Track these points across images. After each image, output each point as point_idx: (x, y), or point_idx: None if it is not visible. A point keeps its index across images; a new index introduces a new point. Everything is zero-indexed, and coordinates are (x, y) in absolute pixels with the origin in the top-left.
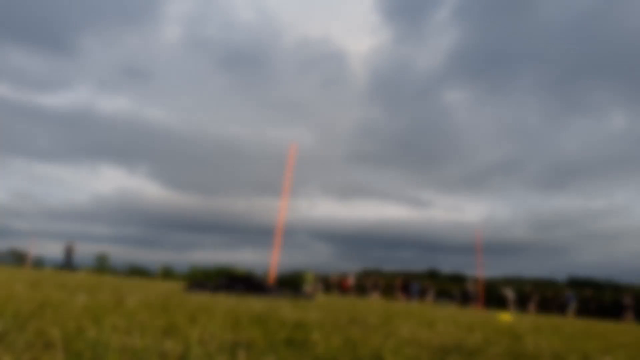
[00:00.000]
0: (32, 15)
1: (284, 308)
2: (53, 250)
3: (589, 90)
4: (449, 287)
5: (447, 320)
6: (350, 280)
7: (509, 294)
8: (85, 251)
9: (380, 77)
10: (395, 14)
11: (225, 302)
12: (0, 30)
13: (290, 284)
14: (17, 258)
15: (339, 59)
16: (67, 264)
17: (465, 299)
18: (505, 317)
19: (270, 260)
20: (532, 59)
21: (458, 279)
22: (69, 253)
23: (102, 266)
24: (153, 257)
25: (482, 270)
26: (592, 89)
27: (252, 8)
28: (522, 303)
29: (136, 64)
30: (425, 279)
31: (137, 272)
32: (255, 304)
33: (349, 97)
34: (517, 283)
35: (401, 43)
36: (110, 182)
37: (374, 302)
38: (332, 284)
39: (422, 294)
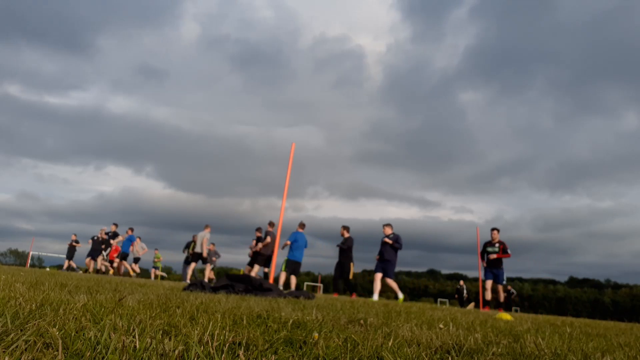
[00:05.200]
0: (49, 16)
1: (284, 308)
2: (55, 251)
3: (602, 90)
4: (448, 287)
5: (447, 320)
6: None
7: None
8: (86, 251)
9: (395, 76)
10: (415, 12)
11: (225, 302)
12: (15, 31)
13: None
14: (18, 258)
15: (356, 57)
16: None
17: (460, 299)
18: (505, 316)
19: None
20: (548, 59)
21: (458, 279)
22: (71, 250)
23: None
24: (150, 259)
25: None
26: (605, 89)
27: (271, 6)
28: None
29: (152, 63)
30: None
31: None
32: (255, 304)
33: (362, 96)
34: (517, 283)
35: (419, 42)
36: (116, 182)
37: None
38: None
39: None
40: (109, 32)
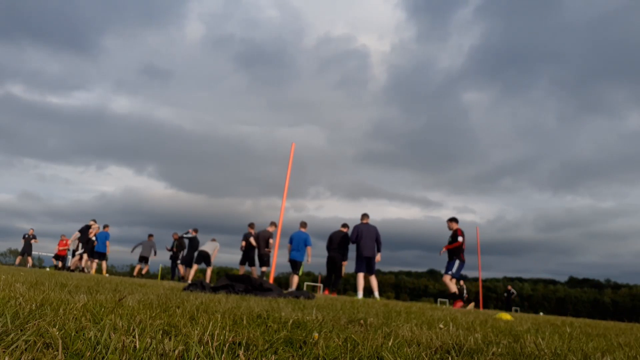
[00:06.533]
0: (53, 16)
1: (284, 308)
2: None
3: (606, 90)
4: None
5: (447, 320)
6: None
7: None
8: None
9: (399, 76)
10: (420, 11)
11: (225, 302)
12: (19, 31)
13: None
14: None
15: (361, 56)
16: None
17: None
18: (505, 316)
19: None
20: (552, 59)
21: (458, 279)
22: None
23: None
24: (155, 258)
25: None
26: (609, 89)
27: (276, 5)
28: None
29: (157, 63)
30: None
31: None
32: (255, 304)
33: (366, 96)
34: (517, 283)
35: (423, 41)
36: (117, 182)
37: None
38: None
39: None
40: (113, 32)
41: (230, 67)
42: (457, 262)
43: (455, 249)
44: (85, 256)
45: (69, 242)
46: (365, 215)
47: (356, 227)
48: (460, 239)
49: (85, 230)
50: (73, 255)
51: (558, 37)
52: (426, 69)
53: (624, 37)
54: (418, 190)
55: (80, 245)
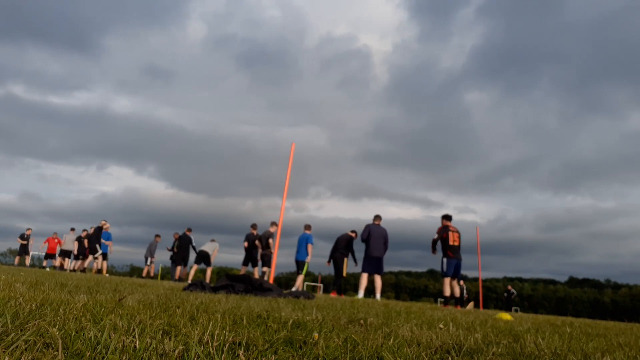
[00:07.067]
0: (55, 17)
1: (284, 308)
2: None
3: (607, 90)
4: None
5: (447, 320)
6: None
7: None
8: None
9: (401, 76)
10: (422, 11)
11: (225, 302)
12: (21, 31)
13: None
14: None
15: (362, 56)
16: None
17: (460, 299)
18: (505, 316)
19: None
20: (553, 59)
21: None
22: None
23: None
24: (154, 259)
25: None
26: (610, 89)
27: (278, 5)
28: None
29: (158, 64)
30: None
31: (138, 271)
32: (255, 304)
33: (367, 96)
34: (517, 283)
35: (425, 41)
36: (118, 182)
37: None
38: None
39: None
40: (115, 32)
41: (232, 67)
42: (444, 260)
43: (442, 247)
44: (90, 256)
45: (63, 242)
46: (377, 217)
47: (368, 226)
48: (435, 236)
49: (98, 232)
50: (68, 256)
51: (559, 37)
52: (428, 69)
53: (625, 37)
54: (419, 190)
55: (99, 246)
